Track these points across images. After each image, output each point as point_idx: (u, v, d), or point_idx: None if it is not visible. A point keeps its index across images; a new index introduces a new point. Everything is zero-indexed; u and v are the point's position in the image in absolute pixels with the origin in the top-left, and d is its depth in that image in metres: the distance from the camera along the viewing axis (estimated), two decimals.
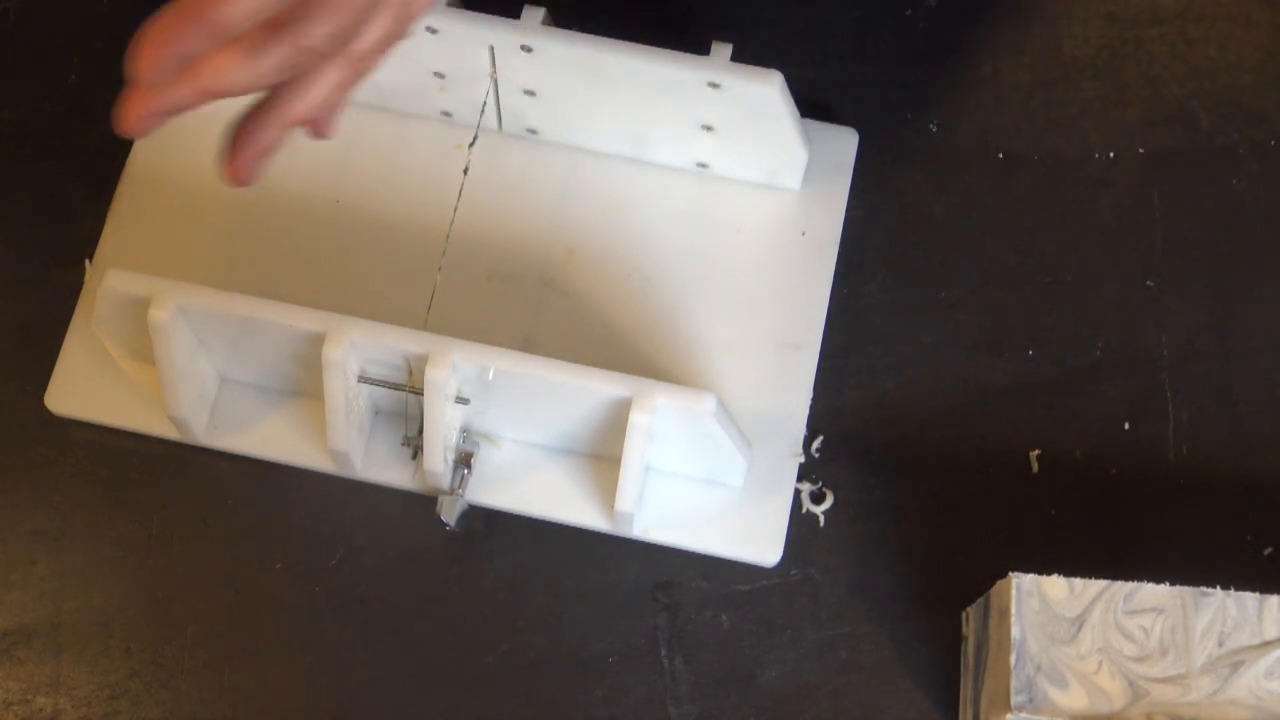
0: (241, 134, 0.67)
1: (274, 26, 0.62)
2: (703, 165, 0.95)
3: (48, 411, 0.91)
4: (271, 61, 0.63)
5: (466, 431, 0.89)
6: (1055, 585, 0.78)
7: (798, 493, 0.90)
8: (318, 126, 0.69)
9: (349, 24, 0.64)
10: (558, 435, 0.88)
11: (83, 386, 0.91)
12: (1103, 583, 0.78)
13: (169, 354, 0.84)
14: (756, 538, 0.88)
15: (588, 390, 0.83)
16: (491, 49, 0.90)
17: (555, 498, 0.89)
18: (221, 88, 0.62)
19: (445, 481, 0.87)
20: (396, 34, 0.68)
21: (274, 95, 0.66)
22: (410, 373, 0.84)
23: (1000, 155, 0.98)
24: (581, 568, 0.89)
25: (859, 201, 0.95)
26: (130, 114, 0.63)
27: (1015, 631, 0.77)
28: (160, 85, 0.61)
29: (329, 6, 0.63)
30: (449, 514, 0.87)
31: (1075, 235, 0.96)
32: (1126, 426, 0.92)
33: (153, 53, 0.59)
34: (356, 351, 0.83)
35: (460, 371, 0.83)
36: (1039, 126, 0.99)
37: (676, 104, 0.90)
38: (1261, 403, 0.92)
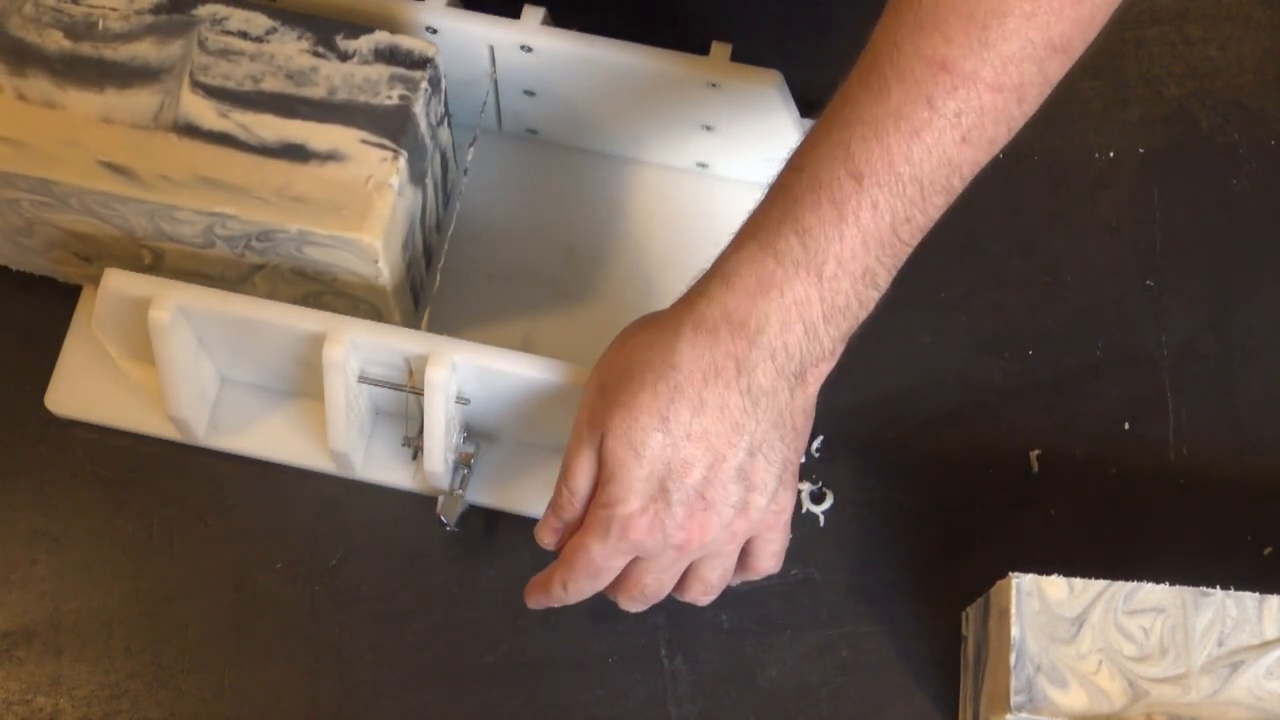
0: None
1: (635, 580, 0.78)
2: (703, 165, 0.95)
3: (48, 411, 0.91)
4: (641, 606, 0.79)
5: (466, 431, 0.89)
6: (1055, 585, 0.78)
7: (798, 493, 0.90)
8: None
9: (668, 581, 0.78)
10: (558, 435, 0.88)
11: (83, 386, 0.91)
12: (1103, 583, 0.78)
13: (169, 354, 0.84)
14: None
15: None
16: (491, 49, 0.90)
17: None
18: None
19: (445, 481, 0.87)
20: (729, 571, 0.79)
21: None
22: (410, 373, 0.84)
23: (1000, 155, 0.98)
24: None
25: None
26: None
27: (1015, 631, 0.77)
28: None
29: (646, 576, 0.77)
30: (449, 514, 0.87)
31: (1075, 235, 0.96)
32: (1126, 426, 0.92)
33: (532, 602, 0.80)
34: (357, 352, 0.83)
35: (460, 371, 0.83)
36: (1039, 126, 0.98)
37: (676, 104, 0.90)
38: (1261, 403, 0.92)
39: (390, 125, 0.83)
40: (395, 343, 0.83)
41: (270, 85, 0.84)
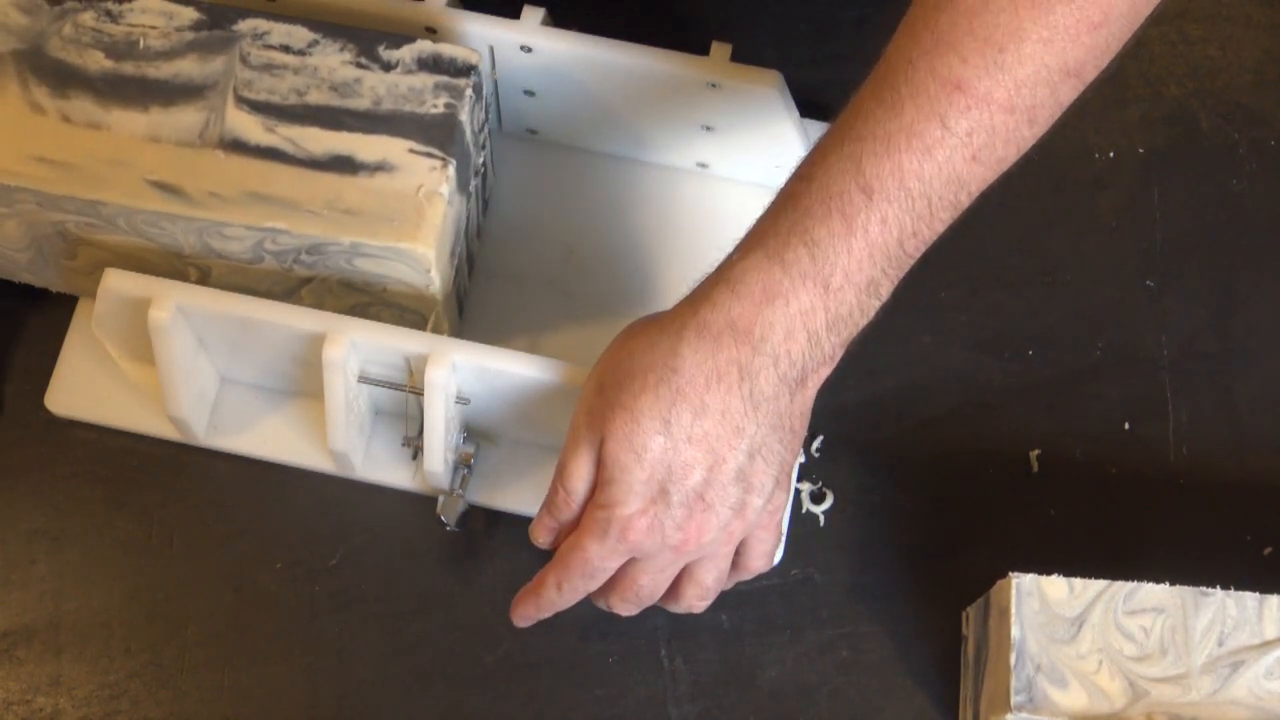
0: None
1: (626, 583, 0.78)
2: (703, 165, 0.95)
3: (48, 411, 0.91)
4: (635, 609, 0.80)
5: (466, 431, 0.89)
6: (1055, 585, 0.78)
7: (798, 493, 0.90)
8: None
9: (663, 583, 0.78)
10: (558, 435, 0.88)
11: (83, 387, 0.91)
12: (1103, 583, 0.78)
13: (169, 354, 0.84)
14: None
15: None
16: (491, 49, 0.90)
17: None
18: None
19: (445, 481, 0.87)
20: (724, 574, 0.79)
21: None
22: (410, 373, 0.84)
23: None
24: None
25: None
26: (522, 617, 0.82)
27: (1015, 631, 0.77)
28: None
29: (642, 576, 0.77)
30: (449, 514, 0.87)
31: (1075, 235, 0.96)
32: (1126, 426, 0.92)
33: (520, 617, 0.81)
34: (357, 351, 0.83)
35: (460, 371, 0.83)
36: None
37: (676, 104, 0.90)
38: (1261, 403, 0.92)
39: (438, 134, 0.83)
40: (395, 343, 0.83)
41: (315, 98, 0.83)
